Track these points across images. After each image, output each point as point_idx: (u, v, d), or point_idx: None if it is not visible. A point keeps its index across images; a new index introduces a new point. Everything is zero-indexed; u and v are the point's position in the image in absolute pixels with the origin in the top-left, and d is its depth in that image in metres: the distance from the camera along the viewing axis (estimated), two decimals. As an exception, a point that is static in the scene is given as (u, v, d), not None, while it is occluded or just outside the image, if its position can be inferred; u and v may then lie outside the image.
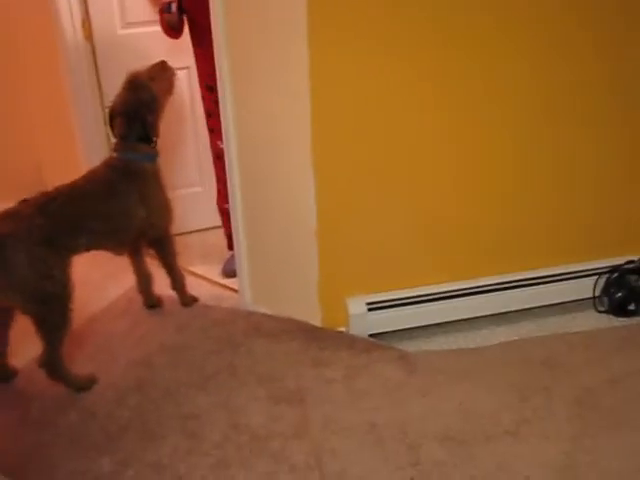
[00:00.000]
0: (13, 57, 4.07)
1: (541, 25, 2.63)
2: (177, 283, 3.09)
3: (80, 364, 2.73)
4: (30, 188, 2.56)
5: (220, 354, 2.76)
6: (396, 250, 2.86)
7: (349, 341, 2.81)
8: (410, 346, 2.81)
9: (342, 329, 2.91)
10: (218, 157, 3.27)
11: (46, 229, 2.45)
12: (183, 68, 3.68)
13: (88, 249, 2.66)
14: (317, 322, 2.92)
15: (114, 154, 2.79)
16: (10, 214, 2.45)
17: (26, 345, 2.88)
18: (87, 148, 3.77)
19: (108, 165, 2.76)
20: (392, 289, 2.87)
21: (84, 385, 2.62)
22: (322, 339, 2.83)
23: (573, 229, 3.00)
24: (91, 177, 2.72)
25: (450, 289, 2.88)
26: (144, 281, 3.10)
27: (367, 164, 2.71)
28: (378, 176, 2.74)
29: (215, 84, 2.84)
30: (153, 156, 2.82)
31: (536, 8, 2.60)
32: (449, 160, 2.77)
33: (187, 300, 3.12)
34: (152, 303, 3.14)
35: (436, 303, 2.86)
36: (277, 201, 2.83)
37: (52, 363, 2.53)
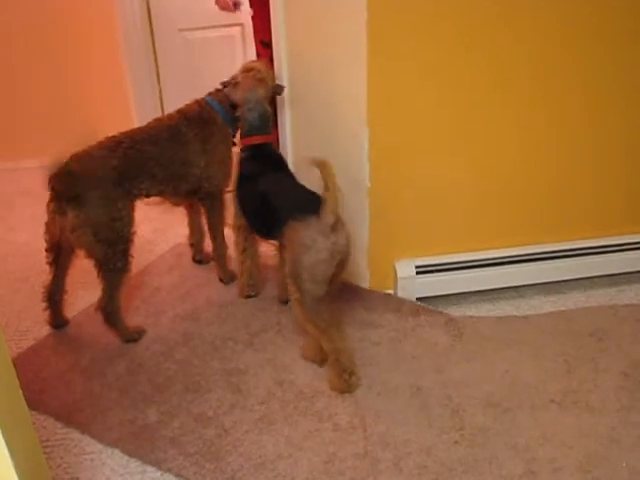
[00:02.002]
0: (71, 17, 4.15)
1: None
2: (218, 252, 3.04)
3: (128, 317, 2.77)
4: (84, 144, 2.60)
5: (267, 312, 2.79)
6: (447, 214, 2.85)
7: (396, 304, 2.81)
8: (457, 311, 2.80)
9: (390, 292, 2.91)
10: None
11: (117, 170, 2.52)
12: (237, 24, 3.76)
13: (148, 195, 2.71)
14: (365, 284, 2.93)
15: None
16: (84, 155, 2.52)
17: (77, 296, 2.95)
18: (140, 104, 3.84)
19: (181, 111, 2.79)
20: (441, 254, 2.87)
21: (132, 336, 2.67)
22: (370, 301, 2.84)
23: (626, 200, 2.95)
24: (160, 122, 2.75)
25: (500, 256, 2.86)
26: (196, 235, 3.15)
27: (423, 123, 2.69)
28: (434, 136, 2.72)
29: (271, 40, 2.85)
30: (229, 116, 2.81)
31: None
32: (508, 122, 2.73)
33: (226, 276, 3.07)
34: (200, 258, 3.18)
35: (485, 269, 2.85)
36: (330, 159, 2.72)
37: (109, 308, 2.59)
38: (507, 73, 2.65)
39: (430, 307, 2.82)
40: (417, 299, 2.86)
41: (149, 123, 2.76)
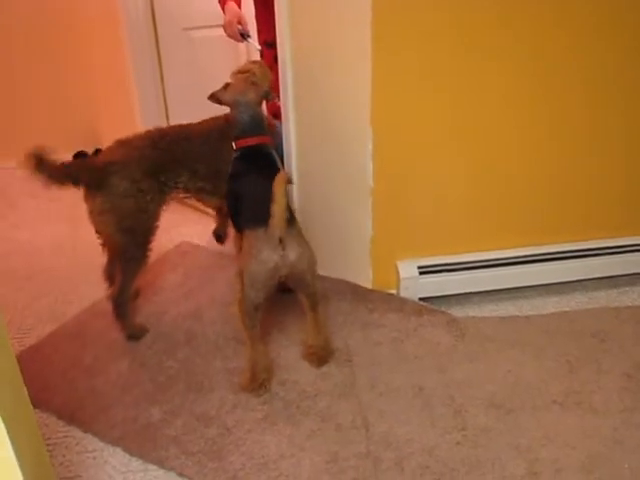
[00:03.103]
0: (74, 17, 4.17)
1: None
2: None
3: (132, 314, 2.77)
4: (89, 143, 2.66)
5: (270, 311, 2.74)
6: (450, 214, 2.85)
7: (399, 304, 2.81)
8: (460, 312, 2.80)
9: (392, 292, 2.91)
10: (275, 115, 3.27)
11: (154, 161, 2.59)
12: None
13: (186, 190, 2.76)
14: (368, 284, 2.93)
15: None
16: (123, 143, 2.61)
17: (79, 294, 2.96)
18: (144, 104, 3.87)
19: (227, 116, 2.81)
20: (444, 254, 2.87)
21: (136, 333, 2.69)
22: (372, 301, 2.84)
23: (628, 201, 2.95)
24: (206, 123, 2.79)
25: (502, 257, 2.86)
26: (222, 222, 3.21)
27: (426, 123, 2.69)
28: (438, 136, 2.72)
29: (274, 40, 2.85)
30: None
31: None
32: (511, 123, 2.73)
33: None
34: (220, 233, 3.22)
35: (488, 270, 2.85)
36: (333, 159, 2.83)
37: (120, 298, 2.62)
38: (508, 74, 2.65)
39: (433, 307, 2.82)
40: (420, 299, 2.86)
41: (201, 120, 2.81)
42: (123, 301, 2.62)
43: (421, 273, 2.82)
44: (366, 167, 2.73)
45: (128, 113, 3.89)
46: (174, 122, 3.79)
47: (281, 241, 2.19)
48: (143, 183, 2.54)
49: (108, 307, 2.65)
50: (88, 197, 2.52)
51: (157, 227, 2.64)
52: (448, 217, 2.86)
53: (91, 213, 2.53)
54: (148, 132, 2.68)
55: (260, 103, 2.58)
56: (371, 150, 2.69)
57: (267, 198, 2.13)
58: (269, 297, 2.30)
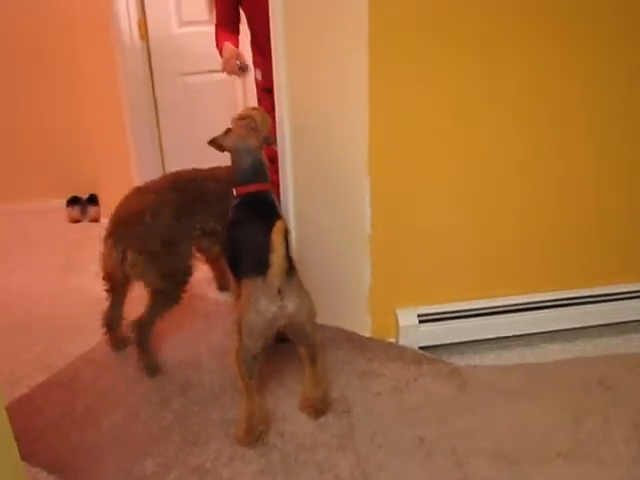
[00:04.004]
0: (71, 63, 4.23)
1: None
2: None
3: (126, 364, 2.77)
4: (83, 188, 2.70)
5: (268, 361, 2.70)
6: (450, 262, 2.86)
7: (398, 353, 2.80)
8: (461, 361, 2.79)
9: (392, 340, 2.90)
10: (272, 161, 3.27)
11: (177, 204, 2.69)
12: None
13: (203, 231, 2.81)
14: (366, 332, 2.92)
15: None
16: (142, 190, 2.72)
17: (71, 342, 2.94)
18: (139, 149, 3.89)
19: None
20: (444, 302, 2.87)
21: (152, 365, 2.72)
22: (370, 350, 2.82)
23: (632, 248, 2.96)
24: (218, 167, 2.89)
25: (504, 304, 2.86)
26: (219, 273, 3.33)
27: (425, 171, 2.71)
28: (437, 184, 2.74)
29: (273, 87, 2.87)
30: None
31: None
32: (511, 172, 2.77)
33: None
34: (221, 283, 3.35)
35: (489, 318, 2.84)
36: (331, 206, 2.86)
37: (145, 328, 2.67)
38: (506, 124, 2.69)
39: (433, 356, 2.80)
40: (420, 348, 2.85)
41: (212, 168, 2.90)
42: (147, 331, 2.67)
43: (421, 321, 2.81)
44: (364, 215, 2.73)
45: (123, 159, 3.91)
46: (170, 168, 3.85)
47: (280, 291, 2.20)
48: (171, 227, 2.63)
49: (100, 356, 2.66)
50: (117, 249, 2.57)
51: (193, 267, 2.74)
52: (448, 265, 2.86)
53: (121, 264, 2.57)
54: (164, 177, 2.80)
55: (261, 149, 2.61)
56: (369, 198, 2.71)
57: (266, 247, 2.14)
58: (267, 347, 2.31)
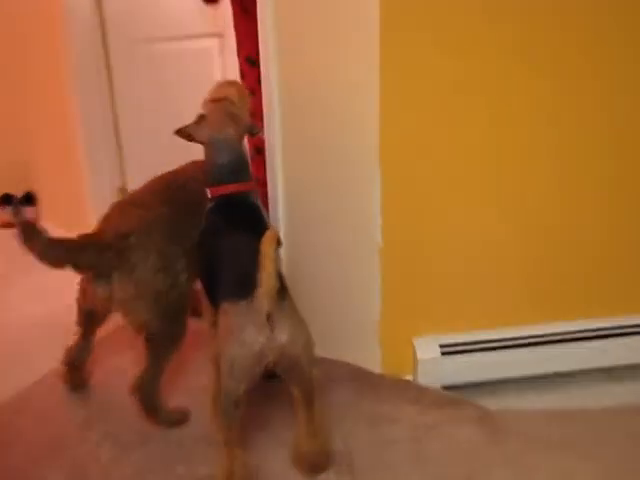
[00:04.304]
0: (9, 21, 4.23)
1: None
2: None
3: (74, 408, 2.78)
4: (16, 185, 2.67)
5: (256, 405, 2.72)
6: (480, 279, 2.85)
7: (416, 393, 2.78)
8: (493, 403, 2.76)
9: (408, 378, 2.90)
10: (258, 151, 3.31)
11: (172, 220, 2.64)
12: (214, 35, 3.89)
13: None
14: (376, 367, 2.91)
15: None
16: (129, 204, 2.68)
17: (10, 372, 2.94)
18: (90, 136, 3.92)
19: None
20: (473, 328, 2.87)
21: (176, 419, 2.71)
22: (381, 389, 2.82)
23: None
24: (197, 163, 2.82)
25: (546, 332, 2.84)
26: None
27: (448, 166, 2.72)
28: (462, 183, 2.74)
29: (259, 57, 2.91)
30: None
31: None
32: (553, 172, 2.77)
33: None
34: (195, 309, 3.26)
35: (528, 349, 2.82)
36: (331, 209, 2.88)
37: (150, 388, 2.61)
38: (548, 106, 2.70)
39: (459, 397, 2.79)
40: (443, 387, 2.84)
41: (186, 165, 2.89)
42: (153, 391, 2.62)
43: (444, 353, 2.80)
44: (373, 220, 2.73)
45: (68, 148, 3.92)
46: (129, 160, 3.91)
47: (269, 318, 2.14)
48: (168, 251, 2.58)
49: (36, 403, 2.67)
50: (99, 282, 2.52)
51: (191, 293, 2.72)
52: (478, 283, 2.86)
53: (107, 301, 2.53)
54: (149, 186, 2.74)
55: (242, 140, 2.59)
56: (379, 198, 2.70)
57: (251, 262, 2.10)
58: (252, 388, 2.24)
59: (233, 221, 2.44)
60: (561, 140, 2.74)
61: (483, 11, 2.54)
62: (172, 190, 2.72)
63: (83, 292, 2.62)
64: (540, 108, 2.68)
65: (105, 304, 2.54)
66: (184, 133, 2.56)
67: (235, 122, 2.57)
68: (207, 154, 2.57)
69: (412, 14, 2.52)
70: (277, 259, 2.12)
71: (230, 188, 2.51)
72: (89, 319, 2.75)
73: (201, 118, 2.57)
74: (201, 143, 2.57)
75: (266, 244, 2.08)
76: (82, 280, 2.60)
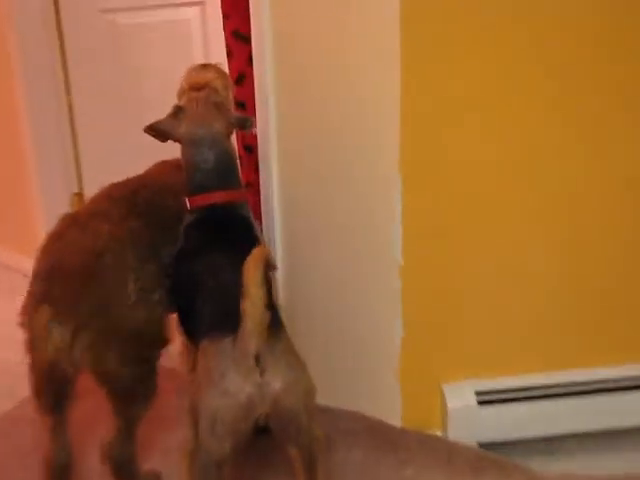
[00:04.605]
0: None
1: None
2: None
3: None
4: None
5: (240, 464, 2.61)
6: (523, 312, 2.86)
7: (446, 453, 2.77)
8: (544, 465, 2.75)
9: (436, 432, 2.90)
10: (248, 150, 3.32)
11: (144, 234, 2.57)
12: (194, 3, 3.95)
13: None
14: (396, 420, 2.91)
15: None
16: (88, 217, 2.56)
17: None
18: (39, 133, 3.94)
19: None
20: (517, 372, 2.87)
21: None
22: (403, 447, 2.81)
23: None
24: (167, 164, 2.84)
25: (607, 378, 2.85)
26: None
27: (481, 172, 2.74)
28: (499, 193, 2.77)
29: (249, 32, 2.97)
30: None
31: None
32: (600, 202, 2.81)
33: None
34: None
35: (585, 398, 2.82)
36: (339, 221, 2.90)
37: (125, 454, 2.57)
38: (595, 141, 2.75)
39: (501, 458, 2.77)
40: (480, 444, 2.82)
41: (155, 167, 2.88)
42: (129, 457, 2.59)
43: (481, 402, 2.79)
44: (393, 236, 2.72)
45: (12, 144, 3.95)
46: (87, 159, 3.94)
47: (258, 360, 2.07)
48: (142, 274, 2.50)
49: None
50: (58, 327, 2.38)
51: (168, 338, 2.63)
52: (521, 315, 2.86)
53: (69, 350, 2.39)
54: (111, 194, 2.66)
55: (229, 136, 2.58)
56: (400, 210, 2.69)
57: (237, 290, 2.03)
58: (239, 447, 2.18)
59: (217, 239, 2.42)
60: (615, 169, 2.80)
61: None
62: (140, 199, 2.64)
63: (36, 347, 2.42)
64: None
65: (67, 356, 2.38)
66: (157, 130, 2.54)
67: (221, 114, 2.55)
68: (186, 154, 2.54)
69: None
70: (267, 285, 2.08)
71: (215, 197, 2.49)
72: (53, 389, 2.56)
73: (178, 110, 2.56)
74: (178, 141, 2.55)
75: (251, 266, 2.01)
76: (32, 332, 2.41)
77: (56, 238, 2.49)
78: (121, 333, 2.42)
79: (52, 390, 2.54)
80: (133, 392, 2.52)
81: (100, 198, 2.67)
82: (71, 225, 2.51)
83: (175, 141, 2.55)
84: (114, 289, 2.41)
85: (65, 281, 2.36)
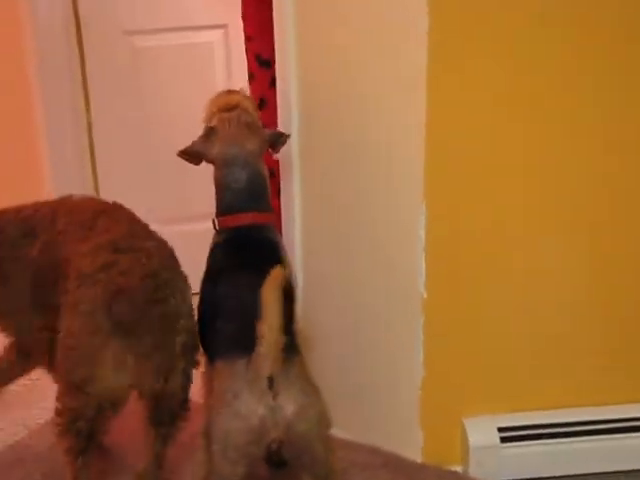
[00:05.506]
0: None
1: None
2: None
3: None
4: None
5: None
6: (550, 344, 2.77)
7: (466, 489, 2.69)
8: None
9: (456, 469, 2.81)
10: (270, 174, 3.17)
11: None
12: (218, 26, 3.95)
13: None
14: (416, 455, 2.83)
15: None
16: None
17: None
18: (56, 153, 3.83)
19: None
20: (542, 407, 2.78)
21: None
22: (423, 484, 2.70)
23: None
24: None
25: (637, 416, 2.76)
26: None
27: (509, 200, 2.66)
28: (526, 222, 2.68)
29: (272, 56, 2.95)
30: None
31: None
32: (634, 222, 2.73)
33: None
34: None
35: (614, 437, 2.71)
36: (361, 249, 2.82)
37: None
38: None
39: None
40: (501, 483, 2.73)
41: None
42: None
43: (504, 439, 2.71)
44: (417, 268, 2.65)
45: (31, 163, 3.86)
46: (105, 181, 3.88)
47: (272, 383, 2.03)
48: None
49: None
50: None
51: None
52: (547, 348, 2.77)
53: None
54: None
55: (262, 156, 2.51)
56: (424, 239, 2.61)
57: (255, 312, 2.00)
58: (251, 474, 2.13)
59: (242, 260, 2.36)
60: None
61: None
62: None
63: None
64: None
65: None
66: (191, 153, 2.50)
67: (253, 133, 2.50)
68: (218, 175, 2.48)
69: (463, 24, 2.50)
70: (289, 309, 2.08)
71: (243, 219, 2.44)
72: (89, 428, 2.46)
73: (210, 131, 2.50)
74: (212, 162, 2.49)
75: (269, 287, 1.99)
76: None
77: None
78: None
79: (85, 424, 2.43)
80: (182, 404, 2.48)
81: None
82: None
83: (208, 162, 2.47)
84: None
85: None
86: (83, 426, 2.34)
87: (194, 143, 2.45)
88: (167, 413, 2.48)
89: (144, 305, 2.24)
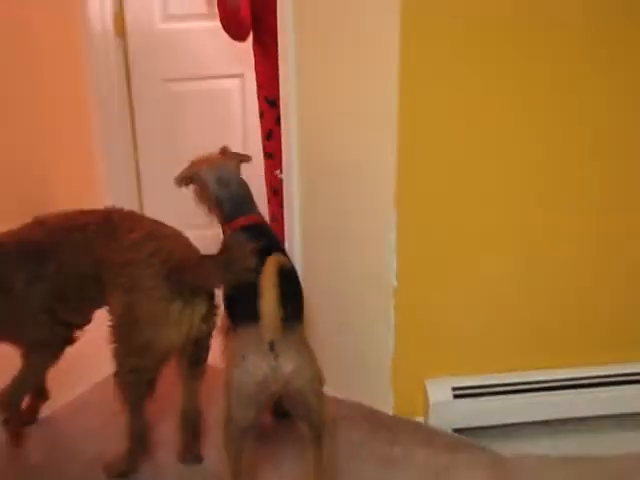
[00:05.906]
0: (29, 66, 4.20)
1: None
2: None
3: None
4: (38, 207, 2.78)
5: (263, 441, 2.77)
6: (493, 323, 2.94)
7: (427, 436, 2.88)
8: (507, 448, 2.82)
9: (419, 420, 3.00)
10: (275, 192, 3.48)
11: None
12: (236, 76, 4.01)
13: None
14: (388, 409, 3.03)
15: None
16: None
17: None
18: (110, 166, 4.07)
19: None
20: (487, 372, 2.95)
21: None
22: (392, 431, 2.91)
23: None
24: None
25: (562, 377, 2.93)
26: None
27: (470, 206, 2.82)
28: (483, 223, 2.85)
29: (277, 98, 3.10)
30: None
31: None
32: (579, 209, 2.87)
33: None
34: None
35: (543, 394, 2.91)
36: (346, 248, 2.99)
37: (145, 429, 2.73)
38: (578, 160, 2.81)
39: (472, 441, 2.88)
40: (454, 430, 2.94)
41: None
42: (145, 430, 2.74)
43: (456, 396, 2.90)
44: (388, 261, 2.84)
45: (89, 183, 4.07)
46: (148, 194, 4.07)
47: (272, 347, 2.22)
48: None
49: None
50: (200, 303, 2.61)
51: None
52: (491, 326, 2.94)
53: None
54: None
55: (239, 170, 2.73)
56: (395, 239, 2.81)
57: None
58: (260, 419, 2.36)
59: (261, 247, 2.43)
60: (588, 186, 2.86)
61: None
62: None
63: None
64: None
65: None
66: (186, 178, 2.75)
67: (226, 155, 2.76)
68: (214, 193, 2.72)
69: (432, 62, 2.64)
70: (294, 285, 2.36)
71: (250, 219, 2.66)
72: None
73: (191, 163, 2.77)
74: (203, 182, 2.73)
75: (266, 271, 2.18)
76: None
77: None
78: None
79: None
80: (209, 343, 2.73)
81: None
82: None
83: (200, 184, 2.77)
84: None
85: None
86: (146, 379, 2.58)
87: (183, 171, 2.74)
88: (204, 350, 2.69)
89: (190, 273, 2.47)
